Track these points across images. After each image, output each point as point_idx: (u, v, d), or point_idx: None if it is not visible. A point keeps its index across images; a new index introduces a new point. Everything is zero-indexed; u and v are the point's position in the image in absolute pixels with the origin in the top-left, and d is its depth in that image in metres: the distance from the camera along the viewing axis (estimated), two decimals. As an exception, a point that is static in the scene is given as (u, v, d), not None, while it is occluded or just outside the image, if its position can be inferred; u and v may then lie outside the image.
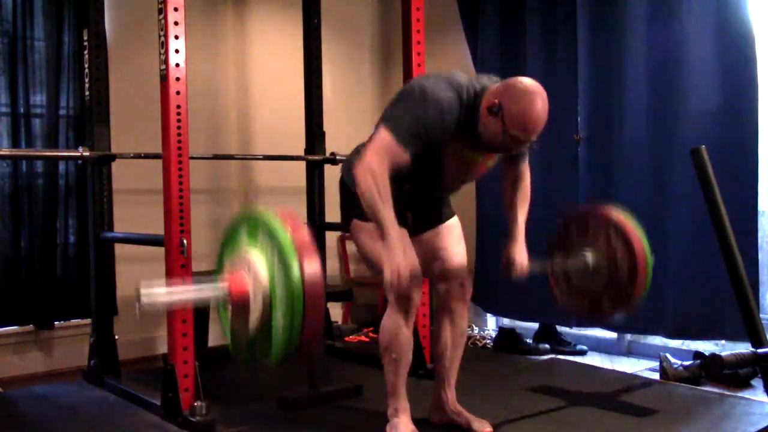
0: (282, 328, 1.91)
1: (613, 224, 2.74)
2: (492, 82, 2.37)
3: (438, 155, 2.39)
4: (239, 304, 1.99)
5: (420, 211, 2.60)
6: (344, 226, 2.62)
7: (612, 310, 2.79)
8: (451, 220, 2.69)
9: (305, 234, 1.97)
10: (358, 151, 2.54)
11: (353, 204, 2.46)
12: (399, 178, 2.35)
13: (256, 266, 1.97)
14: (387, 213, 2.27)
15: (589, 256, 2.77)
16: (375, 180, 2.25)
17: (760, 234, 3.53)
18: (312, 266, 1.91)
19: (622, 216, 2.76)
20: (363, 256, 2.56)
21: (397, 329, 2.45)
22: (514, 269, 2.57)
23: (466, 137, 2.36)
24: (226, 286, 1.98)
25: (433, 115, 2.28)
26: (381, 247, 2.31)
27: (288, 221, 1.98)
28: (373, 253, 2.43)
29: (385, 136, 2.29)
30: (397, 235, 2.28)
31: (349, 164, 2.54)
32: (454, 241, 2.66)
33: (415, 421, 2.54)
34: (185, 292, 1.96)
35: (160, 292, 1.88)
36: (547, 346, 4.01)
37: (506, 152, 2.41)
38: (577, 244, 2.84)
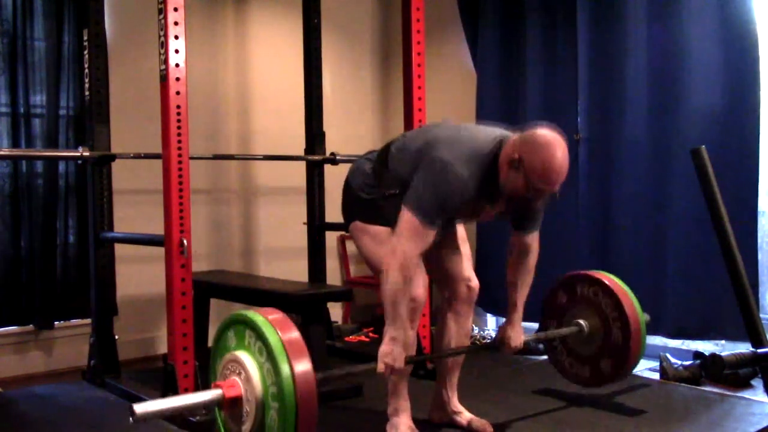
0: (276, 429, 1.95)
1: (602, 288, 2.86)
2: (507, 134, 2.38)
3: (453, 215, 2.43)
4: (233, 408, 2.04)
5: None
6: (345, 226, 2.63)
7: (613, 373, 2.86)
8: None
9: (294, 333, 2.03)
10: (368, 158, 2.58)
11: (356, 206, 2.51)
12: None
13: (248, 369, 2.03)
14: (404, 308, 2.30)
15: (583, 322, 2.90)
16: (404, 273, 2.26)
17: (759, 234, 3.53)
18: (303, 366, 1.96)
19: (610, 279, 2.88)
20: (364, 257, 2.57)
21: (406, 320, 2.40)
22: (509, 348, 2.63)
23: (485, 198, 2.39)
24: (219, 393, 2.03)
25: (456, 191, 2.27)
26: (383, 251, 2.35)
27: (276, 321, 2.03)
28: (375, 256, 2.45)
29: (412, 220, 2.27)
30: (405, 336, 2.32)
31: (355, 167, 2.58)
32: (459, 242, 2.67)
33: (416, 421, 2.54)
34: (180, 401, 2.00)
35: (153, 404, 1.91)
36: (542, 346, 4.00)
37: (528, 204, 2.39)
38: (570, 311, 2.97)
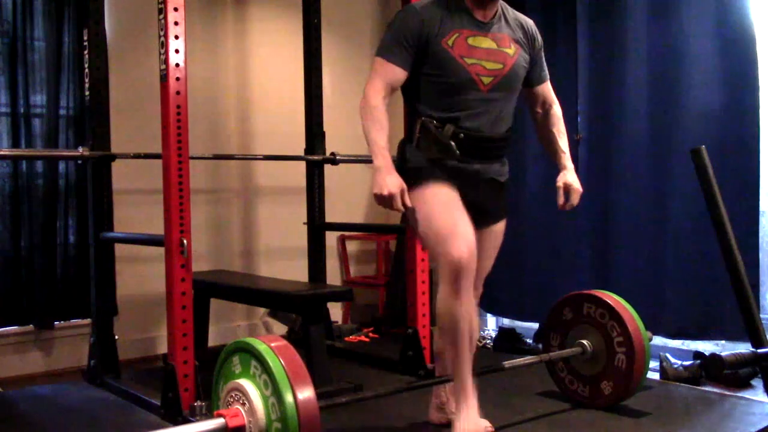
0: None
1: (609, 311, 2.87)
2: None
3: (449, 62, 2.33)
4: None
5: (485, 194, 2.48)
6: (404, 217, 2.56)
7: (614, 396, 2.87)
8: (500, 224, 2.58)
9: (297, 360, 2.05)
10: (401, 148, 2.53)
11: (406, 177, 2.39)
12: (440, 118, 2.36)
13: (250, 398, 2.05)
14: (377, 136, 2.29)
15: (587, 342, 2.91)
16: (368, 105, 2.31)
17: (760, 234, 3.53)
18: (305, 393, 1.98)
19: (617, 302, 2.88)
20: (419, 234, 2.43)
21: (450, 307, 2.30)
22: (572, 195, 2.54)
23: (462, 16, 2.36)
24: (222, 422, 2.04)
25: (411, 15, 2.34)
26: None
27: (282, 353, 2.05)
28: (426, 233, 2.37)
29: (374, 61, 2.37)
30: (384, 160, 2.27)
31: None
32: (491, 250, 2.58)
33: (415, 422, 2.54)
34: (183, 431, 2.01)
35: None
36: (540, 345, 4.00)
37: None
38: (574, 329, 2.98)
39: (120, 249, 3.75)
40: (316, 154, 4.17)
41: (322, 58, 4.24)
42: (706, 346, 3.69)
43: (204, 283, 3.67)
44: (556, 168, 2.63)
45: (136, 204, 4.05)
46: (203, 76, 4.43)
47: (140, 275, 4.06)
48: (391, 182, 2.24)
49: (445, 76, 2.35)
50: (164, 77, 2.78)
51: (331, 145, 4.22)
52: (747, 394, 3.21)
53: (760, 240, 3.49)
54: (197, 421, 2.26)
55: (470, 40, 2.36)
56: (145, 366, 3.90)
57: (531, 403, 3.05)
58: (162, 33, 2.76)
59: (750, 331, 2.60)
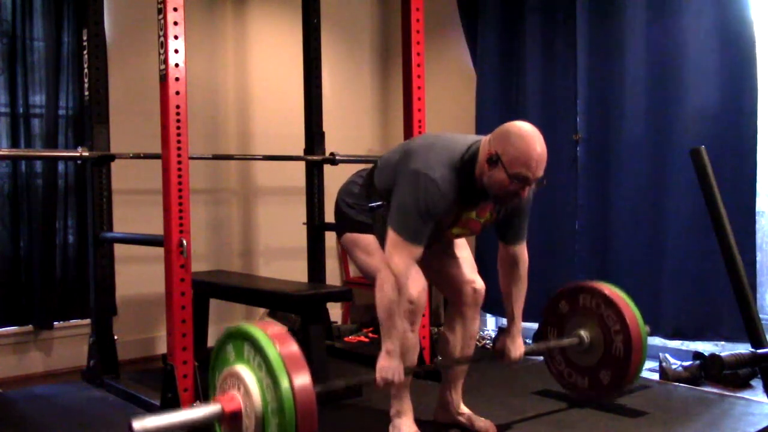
0: None
1: (605, 300, 2.88)
2: (482, 137, 2.39)
3: (439, 226, 2.42)
4: (233, 423, 2.05)
5: None
6: (338, 237, 2.74)
7: (612, 385, 2.87)
8: None
9: (293, 346, 2.04)
10: (357, 178, 2.64)
11: (346, 220, 2.61)
12: None
13: (246, 383, 2.04)
14: (400, 322, 2.33)
15: (584, 333, 2.92)
16: (397, 286, 2.29)
17: (759, 234, 3.53)
18: (302, 379, 1.97)
19: (613, 291, 2.90)
20: (359, 268, 2.65)
21: (402, 332, 2.44)
22: (508, 360, 2.64)
23: (467, 204, 2.41)
24: (218, 408, 2.04)
25: (433, 196, 2.28)
26: (374, 260, 2.45)
27: (274, 335, 2.04)
28: (368, 266, 2.55)
29: (397, 239, 2.30)
30: (398, 351, 2.34)
31: (344, 187, 2.67)
32: (459, 246, 2.69)
33: (420, 422, 2.55)
34: (179, 417, 2.00)
35: (152, 420, 1.91)
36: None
37: (516, 199, 2.35)
38: (571, 321, 2.99)
39: (119, 249, 3.75)
40: (315, 154, 4.17)
41: (321, 58, 4.24)
42: (706, 347, 3.69)
43: (203, 283, 3.67)
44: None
45: (135, 204, 4.05)
46: (203, 76, 4.43)
47: (139, 275, 4.05)
48: (400, 370, 2.33)
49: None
50: (164, 77, 2.78)
51: (331, 145, 4.22)
52: (746, 394, 3.21)
53: (760, 240, 3.49)
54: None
55: (461, 214, 2.46)
56: (145, 366, 3.89)
57: (530, 402, 3.06)
58: (161, 33, 2.76)
59: (749, 331, 2.60)
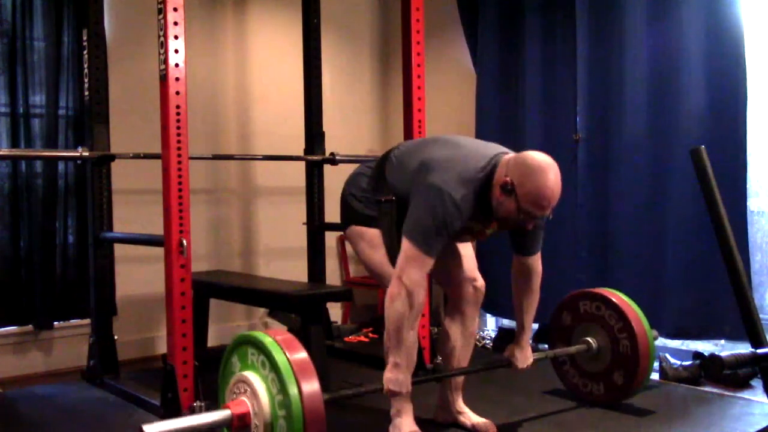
0: None
1: (604, 302, 2.91)
2: (502, 152, 2.38)
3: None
4: (242, 428, 2.06)
5: None
6: (342, 230, 2.71)
7: (627, 384, 2.88)
8: None
9: (302, 353, 2.05)
10: (365, 169, 2.63)
11: (352, 212, 2.59)
12: None
13: (255, 389, 2.06)
14: (409, 336, 2.33)
15: (590, 339, 2.95)
16: (411, 300, 2.28)
17: (759, 234, 3.53)
18: (310, 386, 1.99)
19: (611, 292, 2.94)
20: (362, 262, 2.64)
21: (411, 345, 2.44)
22: (515, 369, 2.70)
23: (479, 218, 2.41)
24: (228, 413, 2.05)
25: (452, 216, 2.27)
26: (378, 255, 2.47)
27: (283, 342, 2.06)
28: (371, 260, 2.55)
29: (413, 250, 2.29)
30: (405, 364, 2.35)
31: (351, 178, 2.66)
32: (462, 244, 2.69)
33: (420, 421, 2.55)
34: (188, 422, 2.00)
35: (162, 425, 1.92)
36: (546, 346, 4.00)
37: (521, 227, 2.36)
38: (576, 330, 3.02)
39: (119, 249, 3.74)
40: (315, 154, 4.17)
41: (321, 58, 4.25)
42: (706, 347, 3.70)
43: (203, 283, 3.67)
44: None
45: (135, 204, 4.05)
46: (203, 76, 4.43)
47: (139, 275, 4.05)
48: (408, 383, 2.36)
49: None
50: (164, 77, 2.78)
51: (331, 145, 4.22)
52: (746, 394, 3.21)
53: (760, 240, 3.49)
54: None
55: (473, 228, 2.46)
56: (145, 366, 3.89)
57: (532, 402, 3.06)
58: (161, 33, 2.76)
59: (749, 331, 2.60)
